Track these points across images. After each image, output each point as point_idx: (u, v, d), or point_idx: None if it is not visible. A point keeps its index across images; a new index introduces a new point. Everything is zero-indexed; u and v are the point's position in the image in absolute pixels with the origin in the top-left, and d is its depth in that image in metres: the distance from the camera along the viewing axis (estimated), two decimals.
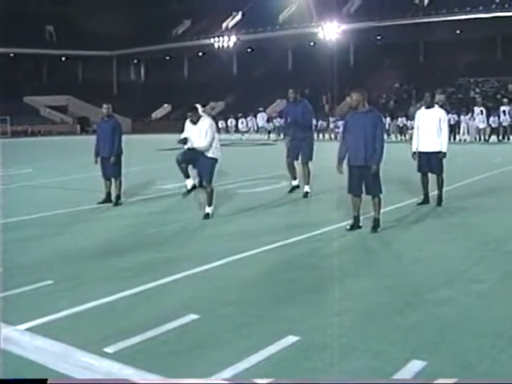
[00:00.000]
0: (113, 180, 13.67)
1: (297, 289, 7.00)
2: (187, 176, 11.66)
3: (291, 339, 5.38)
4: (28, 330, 5.82)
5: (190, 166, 11.73)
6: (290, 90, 13.88)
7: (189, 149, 11.47)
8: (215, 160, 11.54)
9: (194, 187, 11.74)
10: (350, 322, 5.81)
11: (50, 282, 7.41)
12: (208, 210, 11.54)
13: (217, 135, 11.67)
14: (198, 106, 11.90)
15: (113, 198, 13.57)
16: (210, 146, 11.33)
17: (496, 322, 5.76)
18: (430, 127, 12.03)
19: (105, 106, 13.89)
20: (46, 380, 4.46)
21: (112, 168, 13.50)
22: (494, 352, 5.06)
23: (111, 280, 7.52)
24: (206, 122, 11.40)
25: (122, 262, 8.42)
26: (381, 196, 9.93)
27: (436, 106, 12.47)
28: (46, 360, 5.11)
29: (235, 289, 7.08)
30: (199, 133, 11.27)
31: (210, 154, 11.40)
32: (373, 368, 4.82)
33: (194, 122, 11.38)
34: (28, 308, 6.49)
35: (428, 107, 12.22)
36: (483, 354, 5.00)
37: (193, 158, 11.46)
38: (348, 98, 9.93)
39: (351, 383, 4.67)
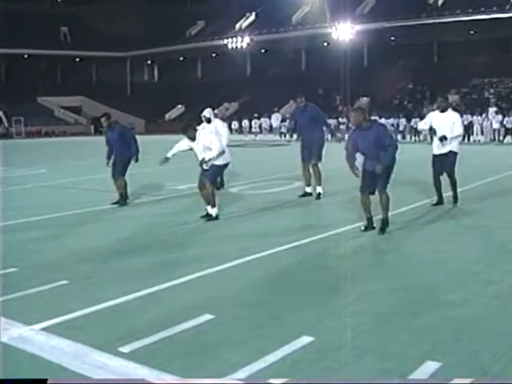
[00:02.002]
0: (118, 178, 13.67)
1: (311, 289, 7.00)
2: (208, 202, 11.61)
3: (306, 340, 5.39)
4: (43, 329, 5.85)
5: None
6: (297, 97, 14.03)
7: (202, 167, 11.50)
8: (223, 166, 11.59)
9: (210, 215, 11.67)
10: (364, 323, 5.81)
11: (64, 282, 7.44)
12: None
13: (226, 135, 11.66)
14: (208, 109, 11.89)
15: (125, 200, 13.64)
16: (222, 151, 11.33)
17: None
18: (444, 131, 11.97)
19: (102, 119, 13.93)
20: (46, 380, 4.48)
21: (119, 167, 13.60)
22: (510, 353, 5.04)
23: (125, 280, 7.55)
24: (204, 132, 11.41)
25: (135, 262, 8.45)
26: (389, 196, 9.88)
27: (449, 109, 12.42)
28: (62, 360, 5.14)
29: (249, 289, 7.09)
30: (203, 145, 11.32)
31: (219, 163, 11.43)
32: (387, 369, 4.81)
33: (192, 139, 11.41)
34: (43, 308, 6.53)
35: (442, 111, 12.17)
36: (499, 355, 4.98)
37: None
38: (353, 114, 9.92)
39: (367, 383, 4.67)
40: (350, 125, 10.53)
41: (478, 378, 4.59)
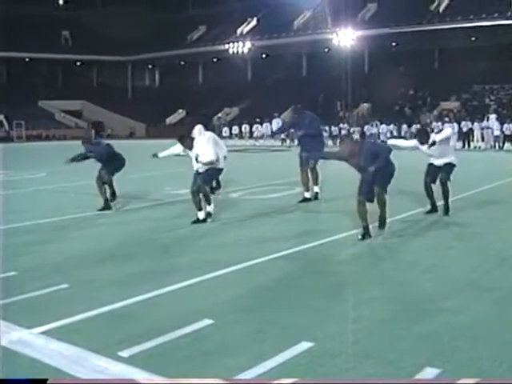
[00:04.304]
0: (107, 177, 13.54)
1: (310, 295, 7.01)
2: (200, 208, 11.68)
3: (305, 345, 5.39)
4: (43, 333, 5.85)
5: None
6: (294, 107, 14.22)
7: (197, 172, 11.57)
8: (221, 170, 11.71)
9: (204, 220, 11.68)
10: (363, 329, 5.81)
11: (64, 285, 7.45)
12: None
13: (221, 142, 11.86)
14: (199, 126, 12.07)
15: (110, 202, 13.57)
16: (216, 159, 11.49)
17: (511, 330, 5.74)
18: (440, 147, 11.87)
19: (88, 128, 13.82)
20: (46, 380, 4.49)
21: (110, 167, 13.52)
22: (510, 360, 5.04)
23: (125, 284, 7.55)
24: (201, 140, 11.55)
25: (135, 266, 8.45)
26: (386, 198, 9.98)
27: (445, 124, 12.31)
28: (61, 363, 5.14)
29: (249, 294, 7.09)
30: (197, 153, 11.52)
31: (216, 167, 11.54)
32: (386, 375, 4.81)
33: (190, 148, 11.61)
34: (43, 311, 6.54)
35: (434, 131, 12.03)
36: (498, 362, 4.98)
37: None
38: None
39: (375, 383, 4.68)
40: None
41: (484, 379, 4.60)
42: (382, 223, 10.19)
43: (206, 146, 11.56)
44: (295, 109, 14.21)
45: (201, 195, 11.67)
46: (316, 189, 13.89)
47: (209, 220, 11.64)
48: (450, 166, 11.94)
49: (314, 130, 13.96)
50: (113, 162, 13.57)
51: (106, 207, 13.41)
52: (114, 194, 13.71)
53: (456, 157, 12.14)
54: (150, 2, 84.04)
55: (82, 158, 13.96)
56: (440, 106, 55.71)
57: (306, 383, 4.74)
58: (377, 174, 9.72)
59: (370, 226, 9.99)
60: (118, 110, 72.83)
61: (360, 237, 9.90)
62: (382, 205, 10.10)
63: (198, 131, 11.98)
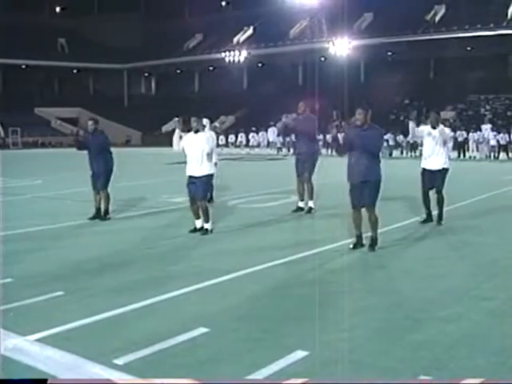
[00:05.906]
0: (100, 192, 13.31)
1: (306, 304, 7.01)
2: (197, 217, 11.61)
3: (300, 354, 5.39)
4: (38, 340, 5.85)
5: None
6: (301, 103, 14.00)
7: (190, 177, 11.50)
8: (211, 176, 11.62)
9: (201, 228, 11.63)
10: (358, 338, 5.81)
11: (60, 293, 7.45)
12: (206, 225, 11.46)
13: (215, 149, 11.76)
14: (206, 119, 11.91)
15: (104, 212, 13.36)
16: (210, 157, 11.39)
17: (506, 339, 5.75)
18: (434, 146, 11.93)
19: (89, 122, 13.53)
20: (45, 380, 4.49)
21: (102, 179, 13.26)
22: (504, 369, 5.05)
23: (121, 292, 7.54)
24: (204, 134, 11.44)
25: (131, 274, 8.45)
26: (377, 216, 9.89)
27: (441, 125, 12.34)
28: (56, 371, 5.14)
29: (245, 303, 7.10)
30: (196, 144, 11.36)
31: (206, 172, 11.44)
32: None
33: (187, 131, 11.47)
34: (38, 319, 6.53)
35: (433, 127, 12.07)
36: (493, 372, 4.99)
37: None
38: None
39: (386, 383, 4.69)
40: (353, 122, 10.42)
41: (488, 379, 4.61)
42: (373, 243, 9.90)
43: (214, 142, 11.48)
44: (303, 108, 13.98)
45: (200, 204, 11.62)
46: (310, 203, 13.78)
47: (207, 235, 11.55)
48: (444, 172, 12.00)
49: (312, 136, 13.90)
50: (106, 154, 13.40)
51: (97, 217, 13.28)
52: (106, 211, 13.40)
53: (449, 161, 12.21)
54: (147, 10, 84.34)
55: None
56: None
57: (315, 383, 4.74)
58: (365, 185, 9.70)
59: (364, 236, 9.96)
60: (114, 117, 72.81)
61: (351, 246, 9.88)
62: (374, 223, 9.88)
63: (206, 122, 11.84)
